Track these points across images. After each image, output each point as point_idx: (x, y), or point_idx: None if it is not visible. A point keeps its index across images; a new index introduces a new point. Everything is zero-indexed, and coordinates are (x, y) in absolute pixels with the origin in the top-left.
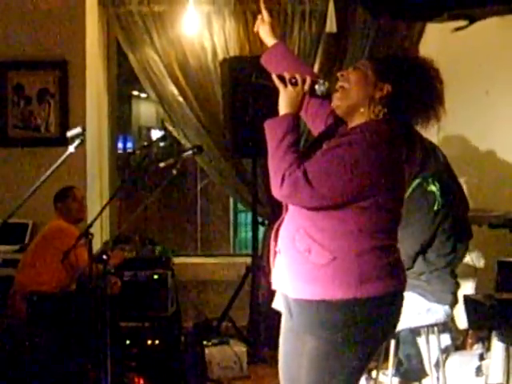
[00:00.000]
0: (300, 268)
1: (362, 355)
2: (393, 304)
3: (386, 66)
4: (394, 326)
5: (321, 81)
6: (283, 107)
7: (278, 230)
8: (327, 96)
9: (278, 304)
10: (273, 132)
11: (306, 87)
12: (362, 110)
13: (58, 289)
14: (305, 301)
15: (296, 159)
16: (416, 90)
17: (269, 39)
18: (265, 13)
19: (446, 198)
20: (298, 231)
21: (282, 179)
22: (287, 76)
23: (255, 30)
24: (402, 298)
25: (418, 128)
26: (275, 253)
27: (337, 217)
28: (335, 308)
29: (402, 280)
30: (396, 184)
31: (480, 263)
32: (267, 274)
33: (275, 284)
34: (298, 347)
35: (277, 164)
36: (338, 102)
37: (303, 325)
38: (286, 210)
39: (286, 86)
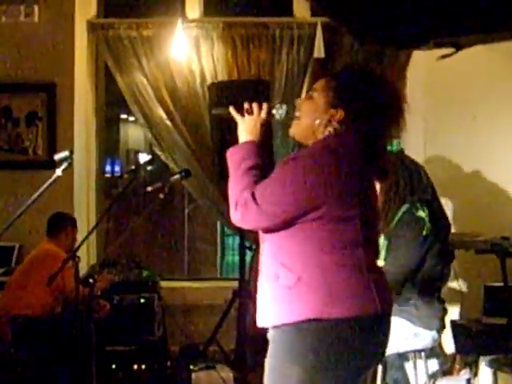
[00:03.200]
0: (271, 294)
1: (340, 381)
2: (372, 328)
3: (338, 91)
4: (377, 353)
5: (277, 105)
6: (243, 137)
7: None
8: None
9: None
10: (231, 158)
11: (263, 114)
12: (315, 134)
13: (44, 312)
14: (280, 326)
15: (250, 183)
16: (369, 110)
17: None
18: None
19: (435, 223)
20: (268, 258)
21: (236, 204)
22: (245, 106)
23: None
24: (384, 323)
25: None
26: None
27: (297, 236)
28: (305, 329)
29: (381, 303)
30: (352, 191)
31: (467, 288)
32: (254, 298)
33: (259, 321)
34: (279, 375)
35: (232, 190)
36: (293, 130)
37: (281, 351)
38: (263, 242)
39: (243, 116)
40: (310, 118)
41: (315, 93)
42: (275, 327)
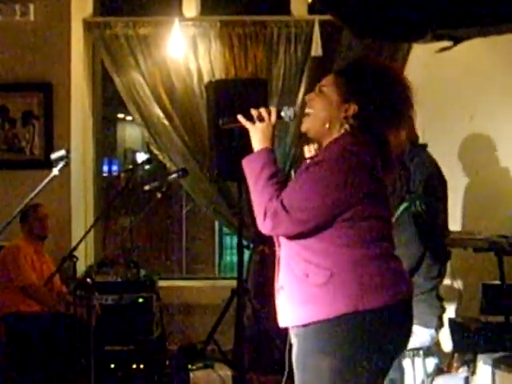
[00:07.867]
0: (301, 293)
1: (374, 370)
2: (404, 313)
3: (350, 85)
4: (407, 338)
5: (285, 107)
6: (257, 144)
7: (278, 268)
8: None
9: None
10: (250, 169)
11: (273, 119)
12: (330, 130)
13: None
14: (313, 323)
15: (275, 191)
16: (382, 102)
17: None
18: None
19: (433, 221)
20: (292, 258)
21: (264, 214)
22: (255, 113)
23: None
24: (409, 308)
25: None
26: (278, 291)
27: (326, 235)
28: (340, 324)
29: (406, 289)
30: (375, 190)
31: (464, 286)
32: (252, 297)
33: (281, 321)
34: (311, 368)
35: (257, 200)
36: (306, 126)
37: (314, 346)
38: (279, 246)
39: (254, 123)
40: (325, 113)
41: (325, 88)
42: (306, 325)
